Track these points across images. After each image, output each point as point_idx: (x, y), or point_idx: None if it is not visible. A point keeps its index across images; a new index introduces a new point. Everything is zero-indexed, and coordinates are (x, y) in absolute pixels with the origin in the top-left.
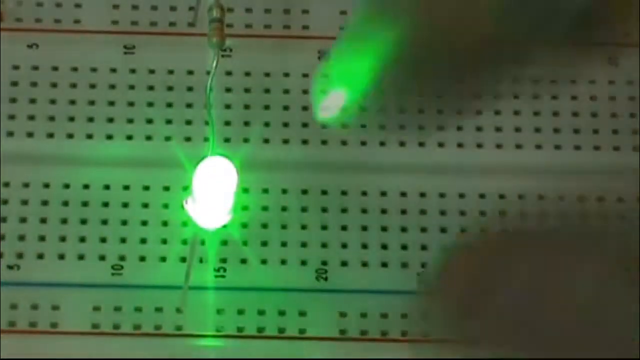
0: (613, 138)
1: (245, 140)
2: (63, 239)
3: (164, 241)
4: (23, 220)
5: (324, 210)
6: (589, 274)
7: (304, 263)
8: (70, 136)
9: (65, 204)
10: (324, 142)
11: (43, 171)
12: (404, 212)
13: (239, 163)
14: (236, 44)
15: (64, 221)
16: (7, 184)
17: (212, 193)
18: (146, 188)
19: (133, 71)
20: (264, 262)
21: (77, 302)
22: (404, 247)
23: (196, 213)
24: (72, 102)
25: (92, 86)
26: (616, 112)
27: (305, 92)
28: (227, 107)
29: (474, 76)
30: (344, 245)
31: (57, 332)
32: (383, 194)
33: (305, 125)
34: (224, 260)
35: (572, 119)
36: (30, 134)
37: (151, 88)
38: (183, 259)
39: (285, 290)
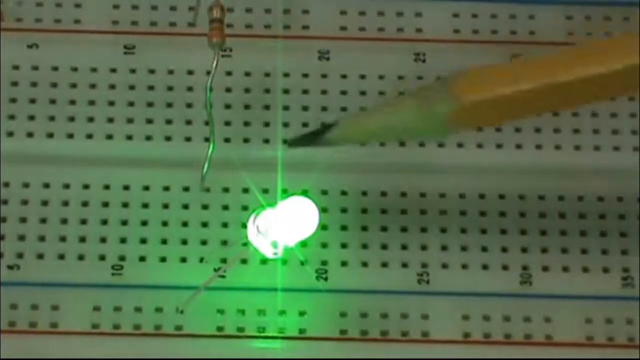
0: (613, 138)
1: (246, 140)
2: (63, 239)
3: (164, 241)
4: (23, 220)
5: (324, 210)
6: None
7: (303, 263)
8: (70, 136)
9: (65, 204)
10: None
11: (43, 171)
12: (403, 212)
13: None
14: (236, 44)
15: (64, 221)
16: (7, 184)
17: (290, 235)
18: (146, 188)
19: (133, 71)
20: (263, 262)
21: (77, 302)
22: (404, 247)
23: (259, 241)
24: (72, 102)
25: (92, 86)
26: (616, 112)
27: (305, 92)
28: (227, 107)
29: None
30: (344, 246)
31: (57, 332)
32: (383, 194)
33: (305, 125)
34: (224, 261)
35: (573, 119)
36: (30, 134)
37: (151, 88)
38: (183, 259)
39: (286, 291)
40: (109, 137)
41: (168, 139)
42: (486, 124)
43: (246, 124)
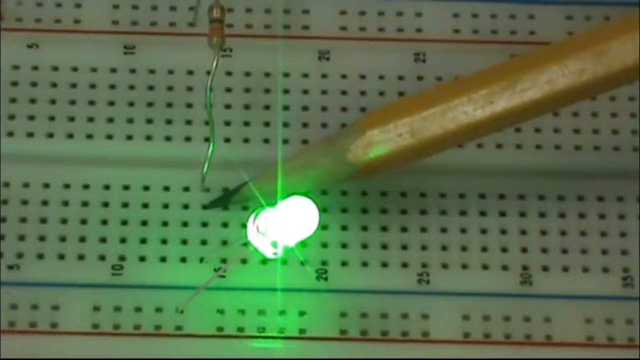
0: (613, 138)
1: (245, 140)
2: (63, 239)
3: (164, 241)
4: (23, 220)
5: (324, 210)
6: None
7: (303, 263)
8: (70, 136)
9: (65, 204)
10: None
11: (43, 171)
12: (403, 212)
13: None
14: (236, 44)
15: (64, 221)
16: (7, 184)
17: (290, 235)
18: (146, 188)
19: (133, 71)
20: (263, 262)
21: (77, 302)
22: (404, 247)
23: (261, 242)
24: (72, 102)
25: (92, 86)
26: (616, 112)
27: (305, 92)
28: (227, 107)
29: None
30: (344, 246)
31: (57, 332)
32: (383, 194)
33: (305, 125)
34: (224, 261)
35: (573, 119)
36: (30, 134)
37: (151, 88)
38: (183, 259)
39: (285, 291)
40: (109, 137)
41: (168, 139)
42: (391, 165)
43: (246, 124)
